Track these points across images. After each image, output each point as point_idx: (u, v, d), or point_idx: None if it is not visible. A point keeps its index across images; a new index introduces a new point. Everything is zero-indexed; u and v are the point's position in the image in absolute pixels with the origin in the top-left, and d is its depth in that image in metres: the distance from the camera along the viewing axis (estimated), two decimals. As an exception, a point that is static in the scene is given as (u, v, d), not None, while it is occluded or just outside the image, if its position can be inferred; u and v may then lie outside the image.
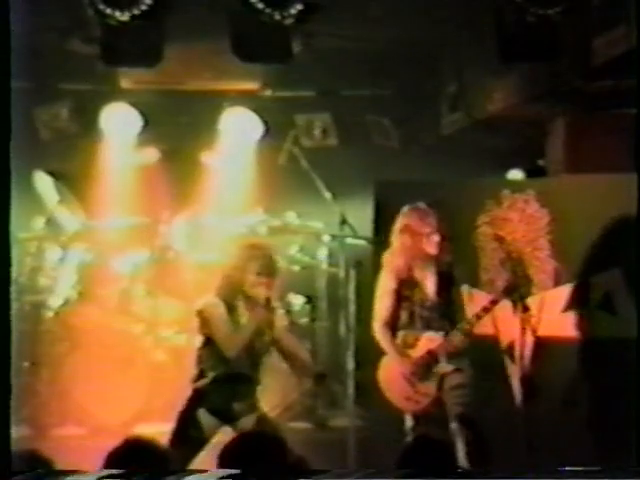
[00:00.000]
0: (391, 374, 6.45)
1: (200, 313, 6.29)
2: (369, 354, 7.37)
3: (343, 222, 7.95)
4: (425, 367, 6.38)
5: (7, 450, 4.42)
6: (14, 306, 8.38)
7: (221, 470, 4.20)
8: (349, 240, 8.05)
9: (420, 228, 6.40)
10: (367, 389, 7.27)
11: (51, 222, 8.64)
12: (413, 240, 6.40)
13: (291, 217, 8.59)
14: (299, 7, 6.66)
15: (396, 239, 6.49)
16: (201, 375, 6.30)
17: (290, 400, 6.69)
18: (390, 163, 8.49)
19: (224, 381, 6.23)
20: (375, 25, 7.32)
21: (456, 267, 6.48)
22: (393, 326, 6.47)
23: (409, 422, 6.38)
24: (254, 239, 7.08)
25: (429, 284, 6.44)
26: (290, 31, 6.86)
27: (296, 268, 8.54)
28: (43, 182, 8.63)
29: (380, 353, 6.59)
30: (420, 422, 6.33)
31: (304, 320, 8.27)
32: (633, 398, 6.11)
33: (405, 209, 6.49)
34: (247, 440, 4.58)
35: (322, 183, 8.08)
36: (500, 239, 6.92)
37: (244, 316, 6.22)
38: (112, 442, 4.56)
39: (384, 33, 7.47)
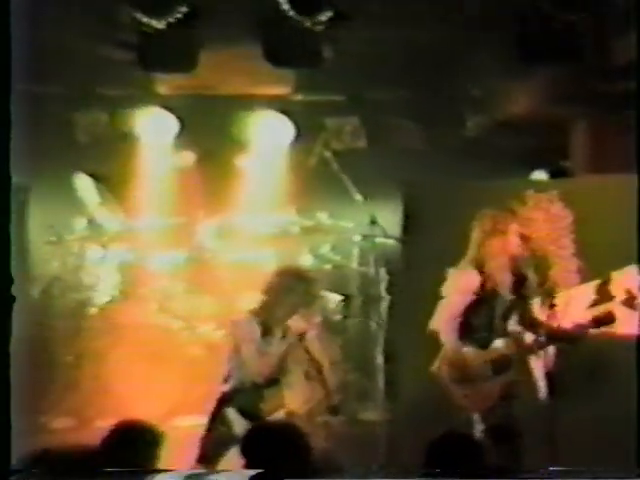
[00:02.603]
0: (453, 374, 6.38)
1: (234, 327, 6.28)
2: (399, 350, 7.36)
3: (373, 222, 7.92)
4: (493, 370, 6.32)
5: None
6: (59, 303, 8.47)
7: (247, 470, 4.17)
8: (379, 239, 8.02)
9: (502, 230, 6.36)
10: (396, 384, 7.26)
11: (92, 223, 8.66)
12: (498, 242, 6.35)
13: (323, 217, 8.56)
14: (329, 14, 6.65)
15: (480, 241, 6.43)
16: (229, 377, 6.30)
17: (318, 396, 6.64)
18: (417, 164, 8.43)
19: (251, 384, 6.23)
20: (402, 31, 7.28)
21: (530, 268, 6.42)
22: (464, 326, 6.39)
23: (476, 420, 6.30)
24: (296, 268, 7.01)
25: (505, 285, 6.37)
26: (320, 37, 6.85)
27: (328, 267, 8.51)
28: (84, 184, 8.65)
29: (413, 349, 6.55)
30: (484, 420, 6.26)
31: (337, 317, 8.24)
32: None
33: (486, 211, 6.45)
34: (268, 431, 4.57)
35: (352, 184, 8.05)
36: (525, 238, 6.86)
37: (276, 341, 6.20)
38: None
39: (411, 38, 7.43)
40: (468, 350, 6.34)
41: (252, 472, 4.15)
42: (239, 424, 6.14)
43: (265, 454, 4.30)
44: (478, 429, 6.19)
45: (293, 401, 6.29)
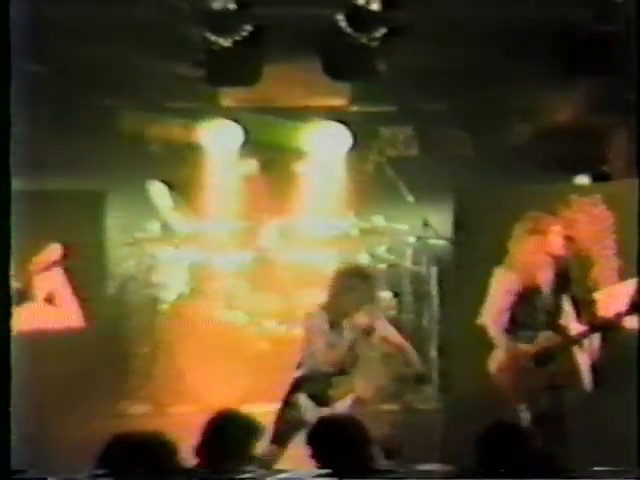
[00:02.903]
0: (503, 366, 6.36)
1: (306, 320, 6.32)
2: (451, 343, 7.35)
3: (425, 224, 7.94)
4: (538, 362, 6.29)
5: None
6: (134, 299, 8.57)
7: (314, 470, 4.16)
8: (431, 240, 8.02)
9: (542, 230, 6.34)
10: (449, 376, 7.24)
11: (165, 226, 8.74)
12: (538, 242, 6.34)
13: (379, 220, 8.56)
14: (383, 31, 6.66)
15: (522, 240, 6.41)
16: (301, 365, 6.33)
17: (380, 385, 6.66)
18: (467, 170, 8.42)
19: (321, 372, 6.26)
20: (452, 46, 7.27)
21: (572, 268, 6.40)
22: (510, 321, 6.37)
23: (524, 413, 6.28)
24: (362, 267, 7.02)
25: (546, 281, 6.35)
26: (375, 52, 6.86)
27: (383, 266, 8.50)
28: (157, 191, 8.71)
29: (463, 343, 6.53)
30: (533, 412, 6.23)
31: (391, 313, 8.23)
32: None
33: (531, 213, 6.44)
34: (331, 423, 4.58)
35: (406, 189, 8.06)
36: (569, 239, 6.83)
37: (343, 334, 6.23)
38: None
39: (460, 52, 7.42)
40: (515, 343, 6.32)
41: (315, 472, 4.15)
42: (309, 409, 6.18)
43: (330, 446, 4.31)
44: (525, 419, 6.17)
45: (359, 389, 6.32)
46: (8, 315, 4.44)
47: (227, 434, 4.48)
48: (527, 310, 6.37)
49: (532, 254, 6.36)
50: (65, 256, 6.44)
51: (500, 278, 6.44)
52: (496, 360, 6.38)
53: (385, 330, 6.37)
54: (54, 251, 6.66)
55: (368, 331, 6.23)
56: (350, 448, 4.30)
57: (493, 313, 6.40)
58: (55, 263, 6.52)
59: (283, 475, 4.36)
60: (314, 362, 6.25)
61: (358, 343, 6.25)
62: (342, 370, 6.28)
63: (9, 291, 4.48)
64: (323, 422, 4.61)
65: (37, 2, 6.53)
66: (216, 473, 4.33)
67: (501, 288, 6.42)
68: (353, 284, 6.29)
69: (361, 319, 6.18)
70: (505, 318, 6.35)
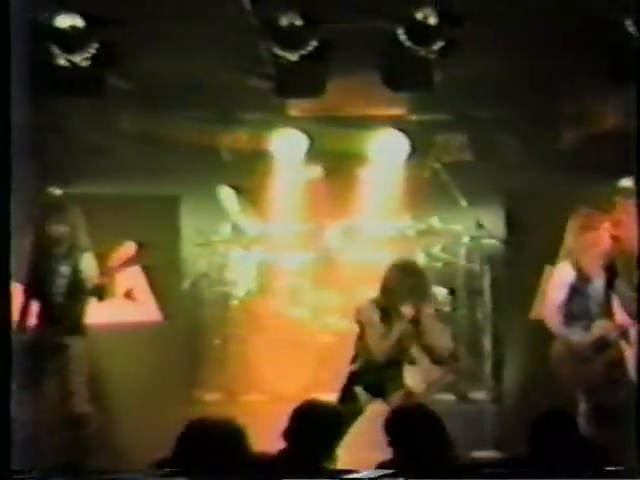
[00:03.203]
0: (562, 356, 6.30)
1: (357, 314, 6.30)
2: (503, 337, 7.29)
3: (478, 225, 7.89)
4: (595, 352, 6.22)
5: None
6: (206, 295, 8.62)
7: (376, 471, 4.14)
8: (484, 240, 7.97)
9: (598, 227, 6.29)
10: (502, 367, 7.18)
11: (235, 228, 8.77)
12: (590, 238, 6.29)
13: (434, 221, 8.51)
14: (440, 44, 6.63)
15: (575, 237, 6.36)
16: (356, 359, 6.32)
17: (434, 378, 6.63)
18: (517, 175, 8.34)
19: (375, 365, 6.24)
20: (504, 57, 7.23)
21: (619, 262, 6.33)
22: (567, 312, 6.32)
23: (581, 402, 6.21)
24: (409, 259, 7.00)
25: (598, 275, 6.29)
26: (432, 64, 6.83)
27: (439, 265, 8.46)
28: (227, 195, 8.75)
29: (515, 336, 6.47)
30: (590, 400, 6.17)
31: (447, 309, 8.19)
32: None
33: (583, 210, 6.39)
34: (407, 413, 4.55)
35: (460, 193, 8.02)
36: (615, 237, 6.74)
37: (395, 325, 6.20)
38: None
39: (511, 63, 7.37)
40: (572, 334, 6.25)
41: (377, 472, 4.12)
42: (365, 400, 6.17)
43: (407, 434, 4.29)
44: (582, 407, 6.09)
45: (412, 381, 6.29)
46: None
47: (314, 423, 4.44)
48: (582, 301, 6.31)
49: (586, 249, 6.30)
50: (139, 254, 6.49)
51: (557, 272, 6.39)
52: (555, 350, 6.32)
53: (425, 328, 6.31)
54: (129, 249, 6.71)
55: (415, 321, 6.19)
56: (426, 436, 4.26)
57: (552, 306, 6.35)
58: (130, 260, 6.57)
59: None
60: (368, 355, 6.23)
61: (408, 335, 6.21)
62: (395, 362, 6.25)
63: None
64: (400, 410, 4.57)
65: (119, 23, 6.64)
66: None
67: (558, 281, 6.37)
68: (401, 276, 6.26)
69: (408, 310, 6.15)
70: (562, 310, 6.29)
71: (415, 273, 6.40)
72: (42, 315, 6.50)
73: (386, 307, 6.26)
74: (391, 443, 4.30)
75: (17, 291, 6.70)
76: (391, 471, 4.04)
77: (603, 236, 6.35)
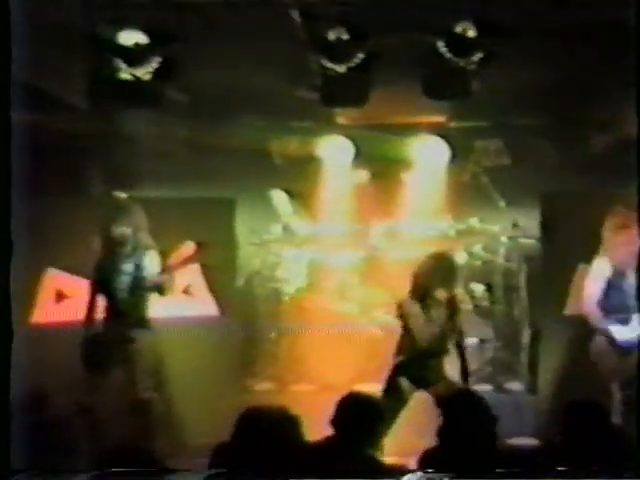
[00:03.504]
0: (602, 348, 6.22)
1: (399, 308, 6.28)
2: (539, 330, 7.21)
3: (515, 225, 7.83)
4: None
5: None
6: (259, 291, 8.65)
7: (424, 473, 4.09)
8: (521, 239, 7.90)
9: (628, 225, 6.22)
10: (537, 359, 7.11)
11: (286, 228, 8.78)
12: (625, 235, 6.22)
13: (474, 222, 8.45)
14: (479, 55, 6.58)
15: (611, 234, 6.29)
16: (400, 351, 6.29)
17: (472, 369, 6.59)
18: (552, 177, 8.27)
19: (418, 357, 6.21)
20: (539, 67, 7.16)
21: None
22: (604, 307, 6.24)
23: (616, 392, 6.13)
24: (440, 250, 6.97)
25: (632, 272, 6.21)
26: (471, 74, 6.78)
27: (478, 263, 8.40)
28: (280, 198, 8.77)
29: (550, 330, 6.38)
30: (622, 390, 6.09)
31: (485, 304, 8.13)
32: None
33: (617, 209, 6.32)
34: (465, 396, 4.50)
35: (498, 195, 7.96)
36: None
37: (434, 312, 6.18)
38: (336, 396, 4.60)
39: (546, 72, 7.30)
40: (611, 327, 6.17)
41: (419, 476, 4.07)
42: (408, 390, 6.14)
43: (458, 419, 4.25)
44: (616, 397, 6.00)
45: (452, 371, 6.25)
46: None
47: (359, 413, 4.42)
48: (618, 295, 6.22)
49: (620, 246, 6.22)
50: (198, 253, 6.52)
51: (594, 267, 6.31)
52: (595, 343, 6.23)
53: (462, 319, 6.29)
54: (189, 249, 6.75)
55: (450, 304, 6.16)
56: (476, 422, 4.23)
57: (590, 300, 6.26)
58: (189, 259, 6.60)
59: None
60: (412, 347, 6.20)
61: (446, 322, 6.18)
62: (435, 354, 6.21)
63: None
64: (457, 397, 4.52)
65: (178, 39, 6.69)
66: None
67: (595, 276, 6.28)
68: (431, 263, 6.24)
69: (441, 294, 6.12)
70: (601, 304, 6.21)
71: (444, 260, 6.36)
72: (109, 310, 6.56)
73: (423, 296, 6.23)
74: (441, 429, 4.25)
75: (85, 287, 6.78)
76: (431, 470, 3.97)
77: (636, 234, 6.25)
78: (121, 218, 6.61)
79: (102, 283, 6.59)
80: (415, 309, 6.20)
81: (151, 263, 6.57)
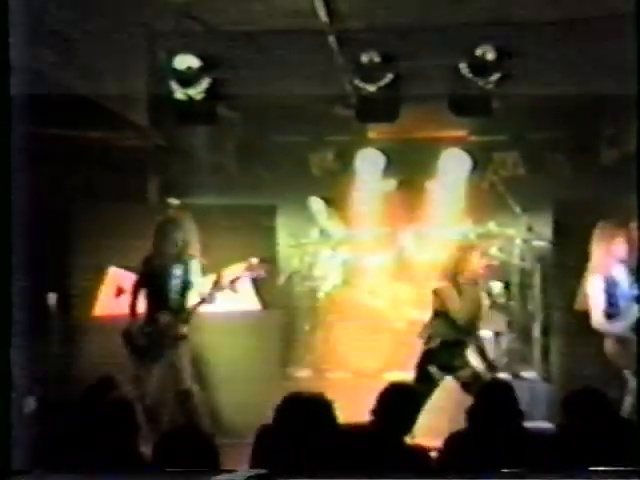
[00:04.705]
0: (614, 348, 6.12)
1: (438, 293, 6.23)
2: (551, 325, 7.12)
3: (530, 229, 7.75)
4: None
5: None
6: (297, 289, 8.62)
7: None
8: (535, 242, 7.82)
9: (616, 238, 6.11)
10: (549, 351, 7.03)
11: (323, 232, 8.75)
12: (610, 248, 6.12)
13: (492, 226, 8.35)
14: (497, 75, 6.53)
15: (598, 248, 6.19)
16: (430, 339, 6.23)
17: (492, 357, 6.52)
18: (564, 187, 8.18)
19: (446, 344, 6.15)
20: (553, 85, 7.08)
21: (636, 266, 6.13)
22: (606, 312, 6.13)
23: (628, 376, 6.03)
24: (466, 243, 6.90)
25: (622, 278, 6.11)
26: (490, 93, 6.72)
27: (496, 263, 8.31)
28: (317, 205, 8.75)
29: (562, 324, 6.28)
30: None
31: (502, 300, 8.04)
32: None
33: (601, 224, 6.20)
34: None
35: (514, 202, 7.89)
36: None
37: (466, 295, 6.14)
38: (368, 383, 4.55)
39: (558, 90, 7.21)
40: (614, 327, 6.05)
41: None
42: (437, 376, 6.08)
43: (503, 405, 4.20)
44: (631, 384, 5.89)
45: (475, 360, 6.19)
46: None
47: (398, 402, 4.37)
48: (619, 300, 6.10)
49: (608, 258, 6.11)
50: (252, 269, 6.56)
51: (590, 284, 6.20)
52: (607, 344, 6.09)
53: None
54: (240, 266, 6.73)
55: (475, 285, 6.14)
56: (507, 407, 4.18)
57: (596, 311, 6.13)
58: (237, 279, 6.59)
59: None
60: (444, 331, 6.13)
61: (474, 301, 6.15)
62: (460, 342, 6.14)
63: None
64: (492, 383, 4.47)
65: (228, 62, 6.72)
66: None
67: (594, 291, 6.17)
68: (461, 255, 6.22)
69: (469, 279, 6.11)
70: (605, 311, 6.09)
71: (467, 249, 6.35)
72: (157, 306, 6.48)
73: (456, 282, 6.19)
74: (473, 412, 4.20)
75: (131, 284, 6.69)
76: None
77: (621, 245, 6.11)
78: (173, 225, 6.60)
79: (152, 282, 6.52)
80: (453, 292, 6.16)
81: (196, 270, 6.55)
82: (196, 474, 3.50)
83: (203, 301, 6.44)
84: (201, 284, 6.52)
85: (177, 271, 6.44)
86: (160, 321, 6.38)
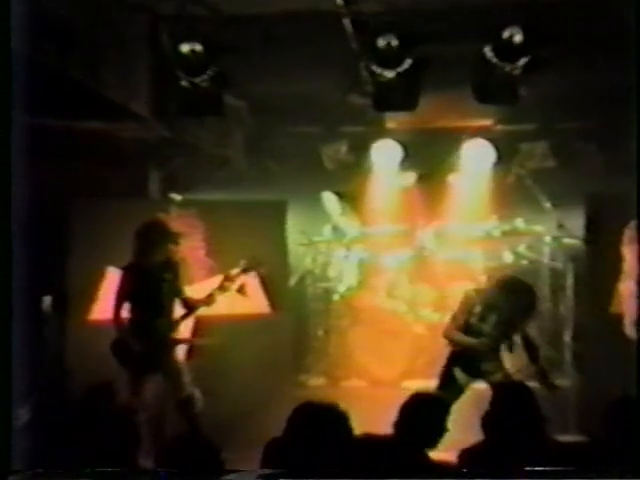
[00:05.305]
0: None
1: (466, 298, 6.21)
2: (585, 329, 7.06)
3: (560, 226, 7.70)
4: None
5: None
6: (310, 290, 8.60)
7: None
8: (567, 240, 7.77)
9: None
10: (583, 357, 6.97)
11: (336, 229, 8.73)
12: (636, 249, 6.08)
13: (519, 223, 8.30)
14: (525, 60, 6.46)
15: (629, 250, 6.14)
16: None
17: (522, 364, 6.45)
18: (597, 180, 8.10)
19: (472, 348, 6.10)
20: (583, 71, 7.02)
21: None
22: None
23: None
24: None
25: None
26: (517, 79, 6.66)
27: (524, 262, 8.26)
28: (330, 200, 8.72)
29: (596, 329, 6.24)
30: None
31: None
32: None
33: (631, 224, 6.14)
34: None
35: (543, 196, 7.84)
36: None
37: None
38: (385, 392, 4.52)
39: (590, 77, 7.16)
40: None
41: None
42: (463, 380, 6.03)
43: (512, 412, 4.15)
44: None
45: (509, 365, 6.14)
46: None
47: (423, 413, 4.32)
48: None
49: (636, 260, 6.06)
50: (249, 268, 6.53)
51: (622, 289, 6.15)
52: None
53: None
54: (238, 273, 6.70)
55: None
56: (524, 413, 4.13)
57: (629, 318, 6.09)
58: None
59: None
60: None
61: None
62: (495, 345, 6.10)
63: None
64: (516, 390, 4.41)
65: (235, 48, 6.68)
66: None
67: (628, 287, 6.12)
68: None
69: None
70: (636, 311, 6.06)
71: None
72: (148, 311, 6.42)
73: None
74: (491, 422, 4.14)
75: (116, 290, 6.62)
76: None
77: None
78: (162, 230, 6.52)
79: (140, 287, 6.46)
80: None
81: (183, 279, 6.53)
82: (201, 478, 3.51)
83: (199, 304, 6.41)
84: (192, 289, 6.50)
85: (167, 275, 6.40)
86: (155, 327, 6.34)
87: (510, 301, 5.96)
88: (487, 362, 6.02)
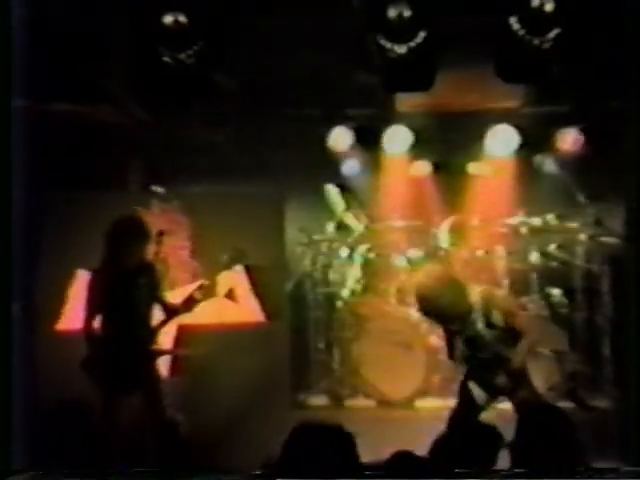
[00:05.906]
0: None
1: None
2: (626, 342, 7.02)
3: (597, 223, 7.69)
4: None
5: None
6: (310, 296, 8.59)
7: None
8: (604, 239, 7.75)
9: None
10: (625, 374, 6.95)
11: (340, 226, 8.73)
12: None
13: (549, 218, 8.26)
14: (556, 32, 6.45)
15: None
16: None
17: (553, 381, 6.45)
18: (638, 169, 8.07)
19: (488, 361, 6.08)
20: (624, 42, 6.97)
21: None
22: None
23: None
24: None
25: None
26: (547, 53, 6.65)
27: (554, 264, 8.23)
28: (333, 193, 8.72)
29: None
30: None
31: (563, 310, 7.97)
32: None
33: None
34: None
35: (578, 189, 7.83)
36: None
37: None
38: (396, 413, 4.50)
39: (632, 49, 7.11)
40: None
41: None
42: (481, 397, 6.01)
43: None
44: None
45: (536, 381, 6.11)
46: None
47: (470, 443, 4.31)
48: None
49: None
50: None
51: None
52: None
53: None
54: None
55: None
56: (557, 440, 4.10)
57: None
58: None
59: None
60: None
61: None
62: (507, 359, 6.09)
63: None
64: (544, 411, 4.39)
65: (224, 21, 6.67)
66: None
67: None
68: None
69: None
70: None
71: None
72: (122, 321, 6.39)
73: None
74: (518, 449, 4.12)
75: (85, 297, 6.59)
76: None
77: None
78: (136, 228, 6.50)
79: (112, 292, 6.43)
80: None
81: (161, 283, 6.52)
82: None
83: (180, 309, 6.39)
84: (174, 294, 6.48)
85: (144, 279, 6.37)
86: (132, 338, 6.29)
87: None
88: (505, 377, 6.00)
